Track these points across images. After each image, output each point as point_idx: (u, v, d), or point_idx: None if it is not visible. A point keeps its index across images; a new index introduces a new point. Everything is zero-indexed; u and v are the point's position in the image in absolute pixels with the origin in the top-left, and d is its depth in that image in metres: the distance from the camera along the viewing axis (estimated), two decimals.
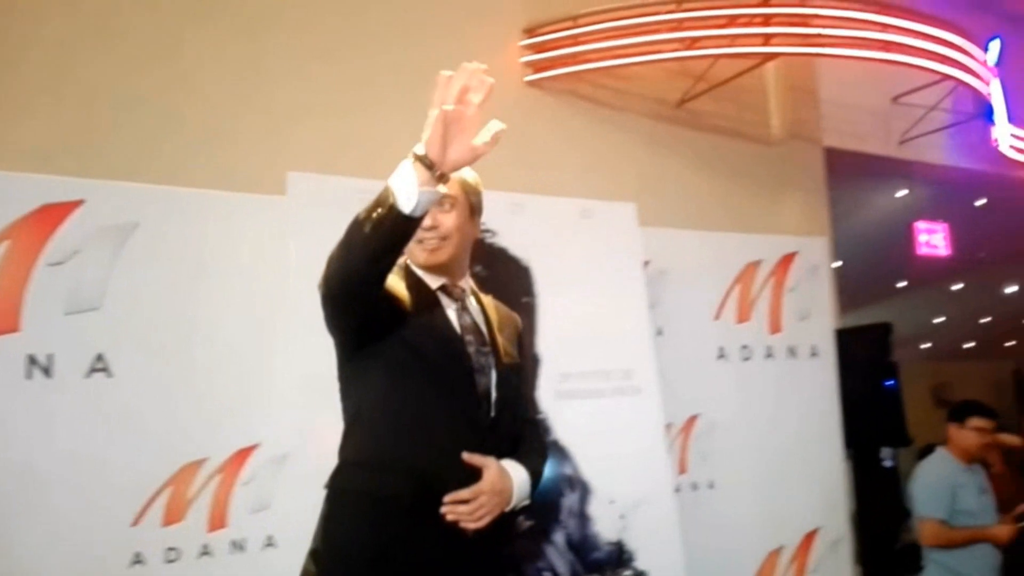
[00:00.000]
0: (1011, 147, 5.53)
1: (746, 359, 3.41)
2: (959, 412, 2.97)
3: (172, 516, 2.14)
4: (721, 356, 3.36)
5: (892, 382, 4.02)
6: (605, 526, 2.78)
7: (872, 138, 4.93)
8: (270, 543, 2.26)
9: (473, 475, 1.53)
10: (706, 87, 3.88)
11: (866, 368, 3.93)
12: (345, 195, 2.47)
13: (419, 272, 1.64)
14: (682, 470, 3.18)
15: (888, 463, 4.51)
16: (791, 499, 3.35)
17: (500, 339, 1.68)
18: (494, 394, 1.66)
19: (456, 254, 1.62)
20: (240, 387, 2.25)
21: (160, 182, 2.25)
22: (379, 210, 1.34)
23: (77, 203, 2.11)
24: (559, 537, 2.70)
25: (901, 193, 6.06)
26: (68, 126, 2.28)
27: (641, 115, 3.83)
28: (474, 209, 1.67)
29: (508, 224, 2.81)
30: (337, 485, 1.55)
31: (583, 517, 2.75)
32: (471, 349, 1.65)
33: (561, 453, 2.76)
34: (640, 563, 2.79)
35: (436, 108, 1.30)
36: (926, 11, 4.20)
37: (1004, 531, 2.82)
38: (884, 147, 5.03)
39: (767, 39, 3.56)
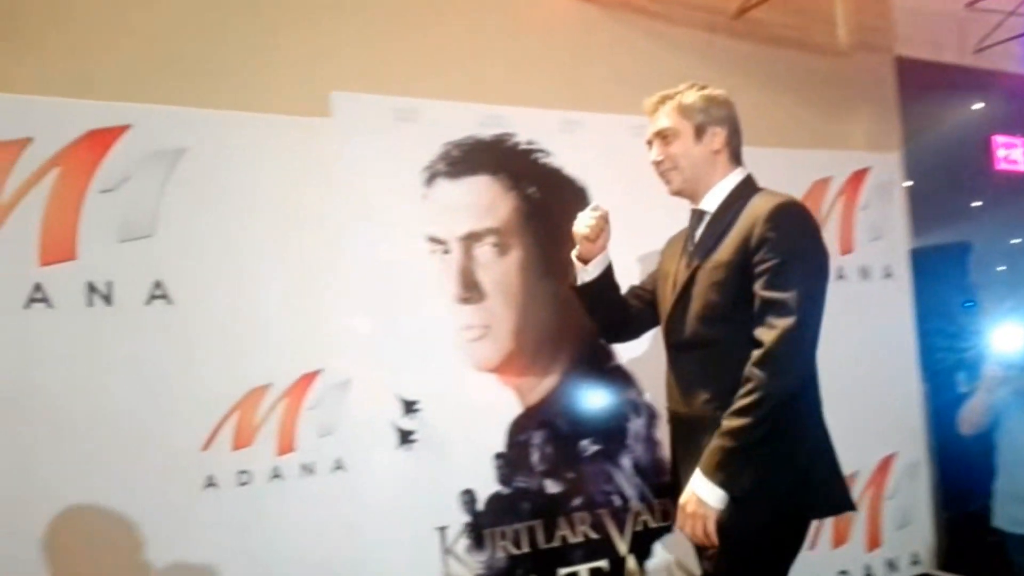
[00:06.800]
0: None
1: None
2: None
3: (241, 440, 2.15)
4: None
5: (971, 303, 3.82)
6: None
7: (946, 47, 4.60)
8: (339, 466, 2.28)
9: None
10: None
11: (944, 289, 3.74)
12: (388, 114, 2.43)
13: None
14: None
15: (964, 388, 4.31)
16: (865, 424, 3.20)
17: (721, 247, 1.75)
18: (688, 309, 1.79)
19: (689, 177, 1.83)
20: (298, 312, 2.24)
21: (206, 106, 2.19)
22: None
23: (124, 128, 2.07)
24: (626, 461, 2.64)
25: (977, 106, 5.69)
26: (112, 51, 2.23)
27: (697, 27, 3.62)
28: (701, 128, 1.82)
29: (561, 143, 2.69)
30: None
31: (650, 441, 2.68)
32: (680, 265, 1.87)
33: (624, 378, 2.68)
34: None
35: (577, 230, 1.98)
36: None
37: None
38: (959, 56, 4.70)
39: None
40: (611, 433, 2.63)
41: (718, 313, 1.75)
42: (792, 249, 1.67)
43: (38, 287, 1.99)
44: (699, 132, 1.81)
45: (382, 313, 2.33)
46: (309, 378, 2.26)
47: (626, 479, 2.62)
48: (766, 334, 1.62)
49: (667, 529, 2.65)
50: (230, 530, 2.12)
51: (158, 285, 2.09)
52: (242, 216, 2.20)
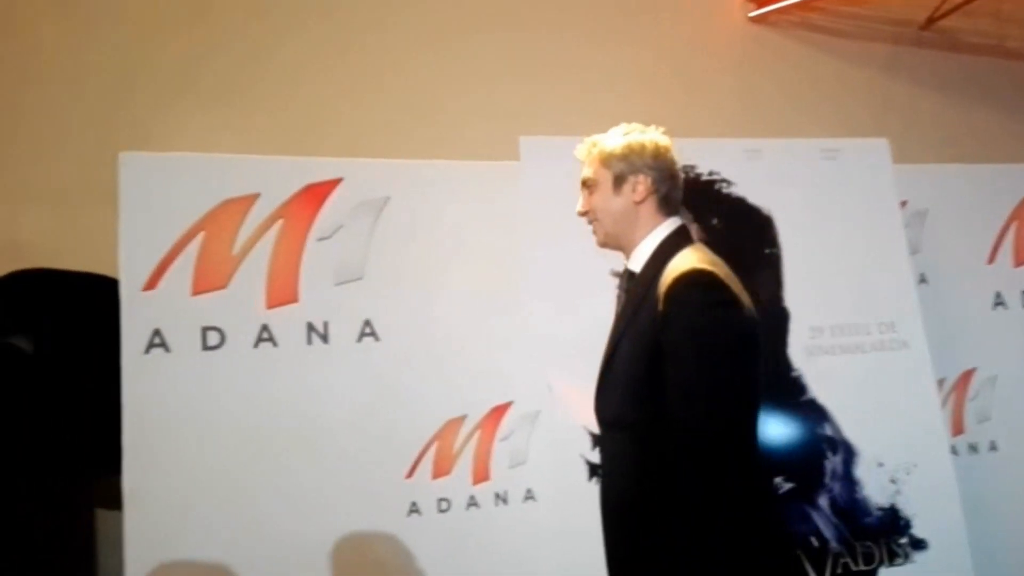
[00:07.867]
0: None
1: None
2: None
3: (441, 469, 2.27)
4: (999, 303, 2.97)
5: None
6: (875, 490, 2.54)
7: None
8: (529, 496, 2.34)
9: None
10: (959, 1, 3.41)
11: None
12: (571, 154, 2.48)
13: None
14: (958, 430, 2.85)
15: None
16: None
17: (638, 318, 1.53)
18: (612, 384, 1.58)
19: (610, 231, 1.63)
20: (491, 346, 2.35)
21: (408, 157, 2.36)
22: None
23: (337, 181, 2.27)
24: (823, 501, 2.52)
25: None
26: (325, 109, 2.45)
27: (881, 41, 3.46)
28: (620, 178, 1.62)
29: (744, 172, 2.64)
30: None
31: (849, 480, 2.54)
32: (613, 331, 1.62)
33: (818, 413, 2.57)
34: (917, 530, 2.53)
35: None
36: None
37: None
38: None
39: None
40: (806, 470, 2.52)
41: (636, 393, 1.52)
42: (690, 328, 1.43)
43: (265, 328, 2.20)
44: (617, 182, 1.62)
45: (568, 346, 2.38)
46: (501, 410, 2.35)
47: (824, 519, 2.50)
48: (675, 433, 1.41)
49: (870, 573, 2.50)
50: (432, 556, 2.22)
51: (367, 324, 2.26)
52: (440, 256, 2.34)
